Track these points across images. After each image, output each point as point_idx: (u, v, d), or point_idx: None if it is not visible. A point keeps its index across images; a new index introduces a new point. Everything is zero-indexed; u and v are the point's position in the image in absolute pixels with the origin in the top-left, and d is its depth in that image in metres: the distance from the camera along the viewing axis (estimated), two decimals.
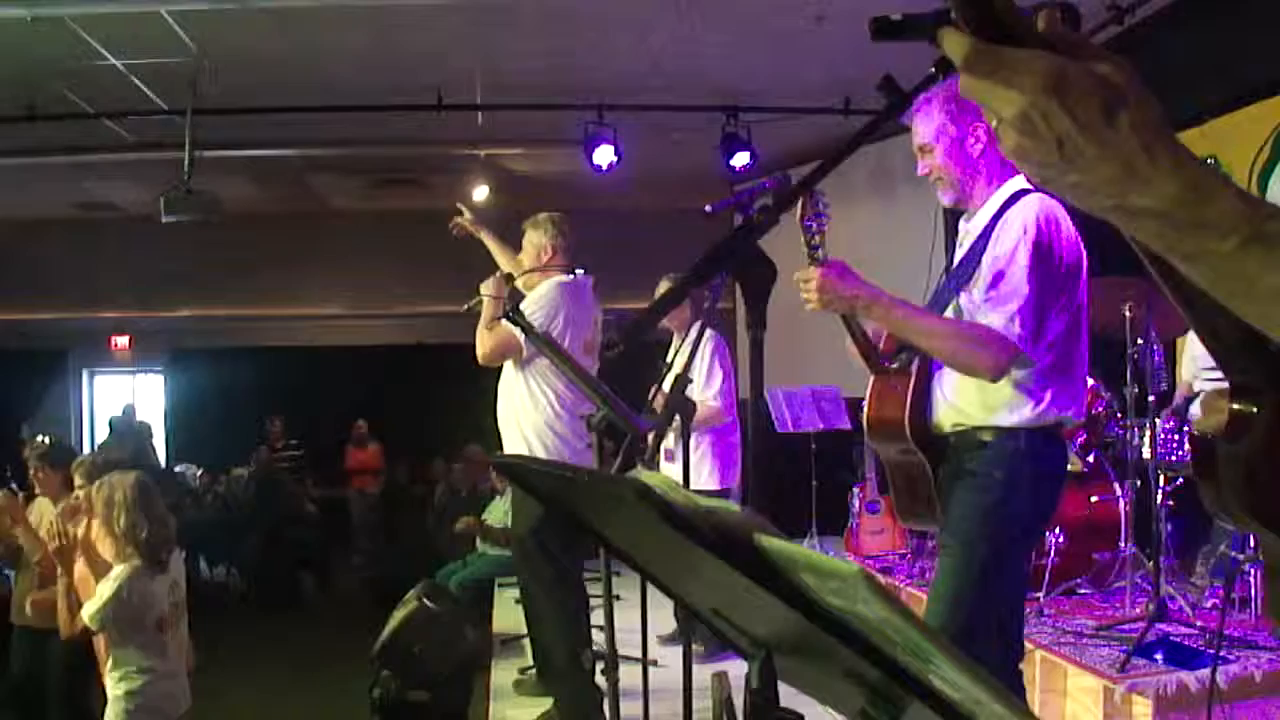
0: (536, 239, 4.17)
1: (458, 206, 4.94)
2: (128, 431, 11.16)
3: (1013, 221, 2.46)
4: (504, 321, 3.57)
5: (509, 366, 4.04)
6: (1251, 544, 3.94)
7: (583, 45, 6.60)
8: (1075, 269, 2.49)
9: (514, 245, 4.30)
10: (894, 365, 2.68)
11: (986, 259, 2.48)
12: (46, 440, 4.61)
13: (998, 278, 2.43)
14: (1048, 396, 2.47)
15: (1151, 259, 0.85)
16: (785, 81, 7.23)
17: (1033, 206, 2.45)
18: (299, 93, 7.12)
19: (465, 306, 3.96)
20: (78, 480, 4.07)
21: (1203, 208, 0.73)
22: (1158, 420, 4.17)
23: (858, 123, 7.19)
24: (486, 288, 3.96)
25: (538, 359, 3.85)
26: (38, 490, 4.55)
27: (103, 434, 11.72)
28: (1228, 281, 0.75)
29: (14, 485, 5.27)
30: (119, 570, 3.36)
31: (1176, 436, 4.37)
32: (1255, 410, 1.00)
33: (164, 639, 3.42)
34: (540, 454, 3.90)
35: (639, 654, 2.88)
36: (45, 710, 4.24)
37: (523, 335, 3.44)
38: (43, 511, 4.40)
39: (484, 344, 3.95)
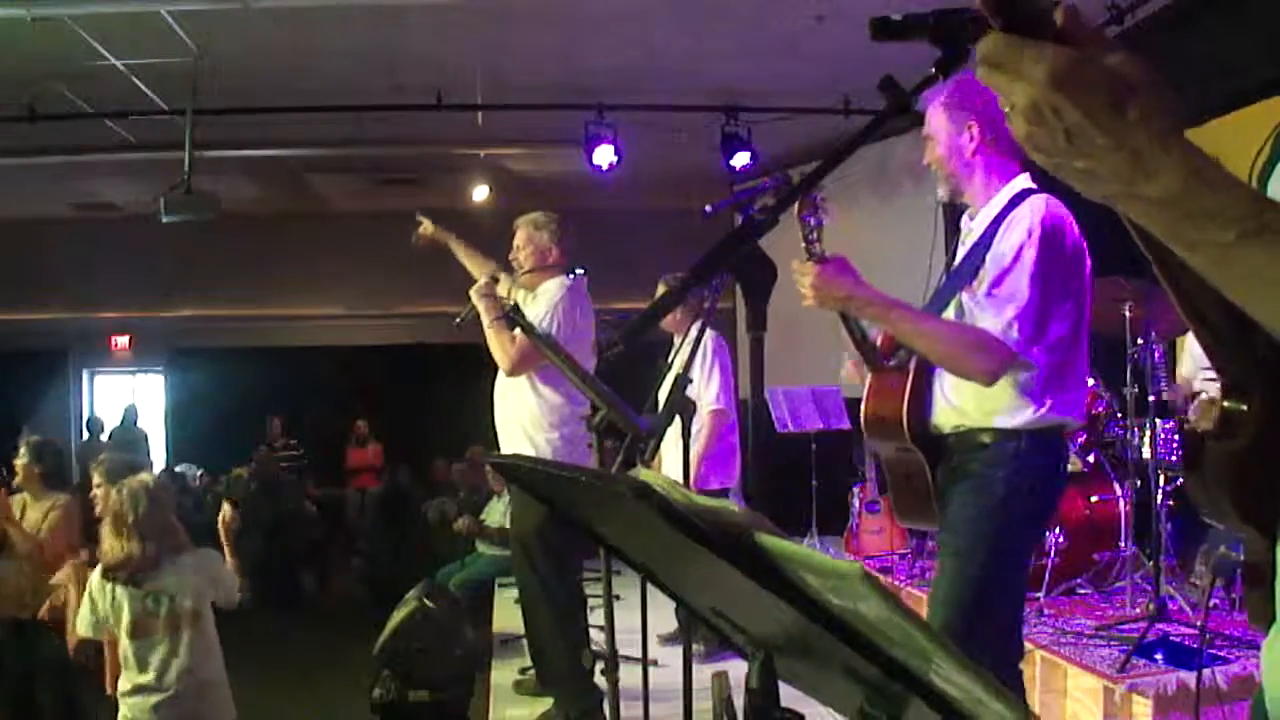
0: (540, 239, 4.12)
1: (416, 217, 4.67)
2: (122, 435, 11.17)
3: (1018, 223, 2.44)
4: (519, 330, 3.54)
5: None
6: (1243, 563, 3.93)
7: (583, 45, 6.60)
8: (1080, 271, 2.47)
9: (509, 244, 4.26)
10: (892, 363, 2.68)
11: (990, 259, 2.47)
12: (38, 439, 4.66)
13: (999, 280, 2.42)
14: (1050, 399, 2.45)
15: (1149, 247, 0.86)
16: (785, 81, 7.22)
17: (1038, 208, 2.43)
18: (299, 93, 7.11)
19: (458, 320, 3.91)
20: (96, 479, 4.10)
21: (1206, 198, 0.75)
22: (1158, 420, 4.17)
23: (858, 123, 7.20)
24: (476, 293, 3.93)
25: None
26: (17, 481, 4.55)
27: (102, 435, 11.71)
28: (1227, 271, 0.77)
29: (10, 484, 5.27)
30: (91, 576, 3.40)
31: (1176, 436, 4.37)
32: (1244, 408, 1.02)
33: (146, 653, 3.31)
34: (547, 455, 3.88)
35: (639, 654, 2.88)
36: (38, 706, 4.24)
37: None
38: (25, 505, 4.44)
39: (506, 356, 3.88)
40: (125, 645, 3.32)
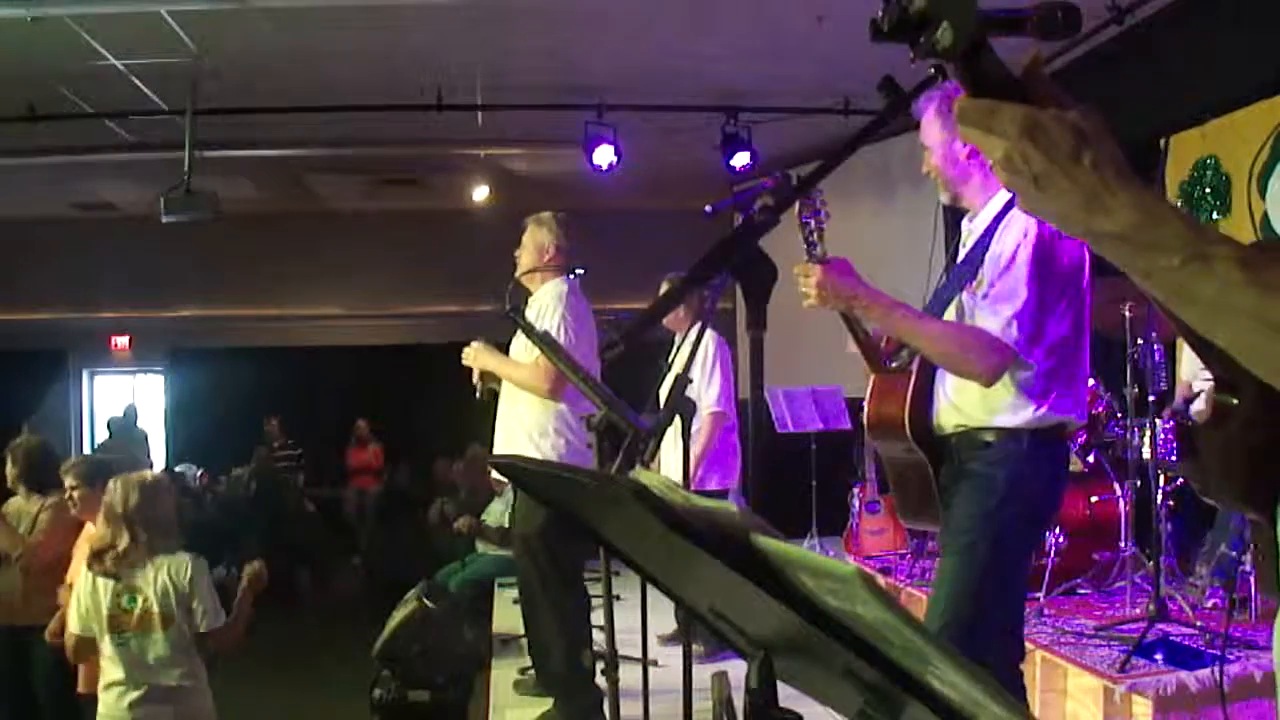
0: (539, 237, 4.13)
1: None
2: (125, 435, 11.17)
3: (1014, 223, 2.45)
4: (539, 355, 3.55)
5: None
6: (1251, 544, 3.94)
7: (583, 45, 6.60)
8: (1078, 270, 2.48)
9: (514, 244, 4.26)
10: (894, 364, 2.69)
11: (988, 259, 2.48)
12: (31, 439, 4.64)
13: (996, 280, 2.43)
14: (1050, 398, 2.46)
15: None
16: (785, 81, 7.22)
17: None
18: (299, 93, 7.12)
19: (479, 396, 3.93)
20: (70, 481, 4.08)
21: (1154, 230, 0.87)
22: (1158, 420, 4.17)
23: (858, 123, 7.20)
24: (478, 363, 3.94)
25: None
26: (9, 485, 4.52)
27: (103, 434, 11.72)
28: (1175, 293, 0.88)
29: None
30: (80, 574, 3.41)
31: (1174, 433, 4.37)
32: (1234, 402, 1.15)
33: (120, 649, 3.29)
34: (551, 456, 3.88)
35: (639, 654, 2.88)
36: (34, 710, 4.24)
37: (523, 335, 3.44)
38: (19, 510, 4.41)
39: (537, 383, 3.84)
40: (106, 641, 3.32)
